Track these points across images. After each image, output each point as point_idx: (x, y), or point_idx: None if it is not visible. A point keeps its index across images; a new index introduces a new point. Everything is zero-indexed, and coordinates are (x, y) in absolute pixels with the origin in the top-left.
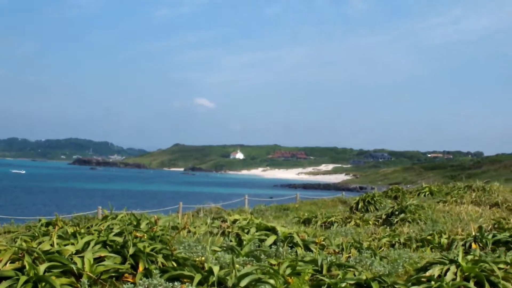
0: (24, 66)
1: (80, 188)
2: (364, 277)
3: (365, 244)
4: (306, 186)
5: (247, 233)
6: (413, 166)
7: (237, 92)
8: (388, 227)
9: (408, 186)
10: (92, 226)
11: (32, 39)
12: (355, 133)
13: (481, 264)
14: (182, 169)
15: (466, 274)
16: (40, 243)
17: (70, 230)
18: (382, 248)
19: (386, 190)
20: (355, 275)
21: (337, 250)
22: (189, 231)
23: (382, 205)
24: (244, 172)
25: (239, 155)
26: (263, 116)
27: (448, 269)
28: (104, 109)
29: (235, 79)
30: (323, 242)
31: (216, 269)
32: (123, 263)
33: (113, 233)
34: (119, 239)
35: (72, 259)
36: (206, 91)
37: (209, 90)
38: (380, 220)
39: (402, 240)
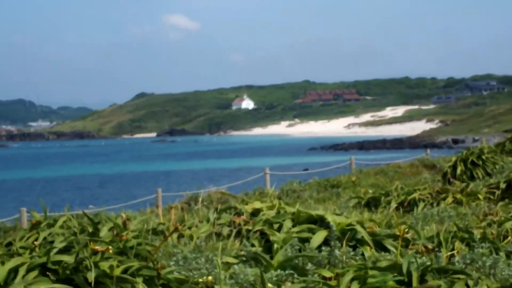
0: None
1: None
2: None
3: (477, 233)
4: (364, 146)
5: (279, 230)
6: None
7: (234, 2)
8: None
9: None
10: (15, 241)
11: None
12: (439, 53)
13: None
14: (153, 135)
15: None
16: None
17: None
18: (508, 237)
19: (501, 141)
20: (468, 287)
21: (430, 247)
22: (181, 235)
23: (497, 166)
24: (258, 130)
25: (247, 103)
26: (280, 37)
27: None
28: (15, 47)
29: None
30: (407, 235)
31: None
32: None
33: (56, 250)
34: (68, 259)
35: None
36: (184, 4)
37: (188, 2)
38: (497, 192)
39: None
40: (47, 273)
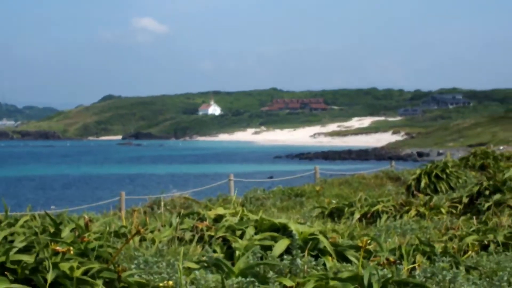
0: None
1: None
2: None
3: (439, 247)
4: (329, 156)
5: (241, 237)
6: (508, 113)
7: (205, 6)
8: (474, 217)
9: (502, 148)
10: None
11: None
12: (406, 65)
13: None
14: (119, 138)
15: None
16: None
17: None
18: (469, 252)
19: (466, 155)
20: None
21: (392, 259)
22: (143, 239)
23: (460, 181)
24: (224, 137)
25: (214, 109)
26: (249, 46)
27: None
28: None
29: None
30: (369, 247)
31: None
32: None
33: (15, 249)
34: (28, 259)
35: None
36: (153, 7)
37: (158, 6)
38: (460, 206)
39: (500, 239)
40: (6, 272)
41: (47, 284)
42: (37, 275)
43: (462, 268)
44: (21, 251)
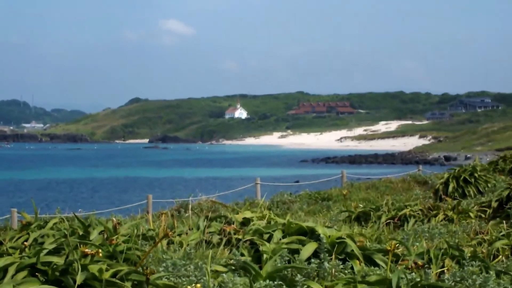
0: None
1: None
2: None
3: (468, 251)
4: (355, 160)
5: (268, 240)
6: None
7: (231, 9)
8: (503, 221)
9: None
10: (5, 241)
11: None
12: (434, 68)
13: None
14: (146, 141)
15: None
16: None
17: None
18: (499, 257)
19: (494, 159)
20: None
21: (420, 263)
22: (171, 242)
23: (489, 185)
24: (250, 140)
25: (240, 113)
26: (276, 47)
27: None
28: (11, 47)
29: None
30: (397, 251)
31: None
32: None
33: (45, 251)
34: (58, 260)
35: None
36: (179, 10)
37: (184, 7)
38: (489, 211)
39: None
40: (37, 273)
41: (76, 286)
42: (67, 276)
43: (492, 272)
44: (51, 252)
